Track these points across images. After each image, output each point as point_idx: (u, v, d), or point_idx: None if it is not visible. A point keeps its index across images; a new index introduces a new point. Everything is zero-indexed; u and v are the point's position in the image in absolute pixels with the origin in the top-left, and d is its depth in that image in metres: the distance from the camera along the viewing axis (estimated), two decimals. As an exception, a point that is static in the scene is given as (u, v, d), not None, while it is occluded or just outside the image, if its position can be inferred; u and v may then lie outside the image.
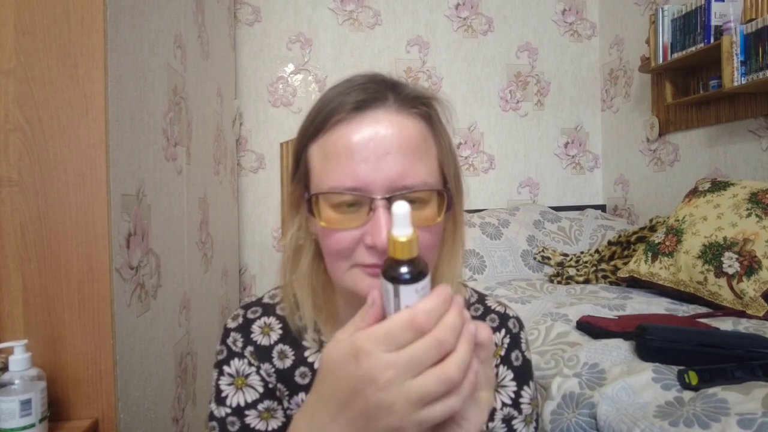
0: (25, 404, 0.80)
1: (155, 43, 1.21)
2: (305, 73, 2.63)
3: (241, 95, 2.55)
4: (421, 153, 0.51)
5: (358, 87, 0.52)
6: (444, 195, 0.52)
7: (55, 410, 0.89)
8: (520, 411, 0.61)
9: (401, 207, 0.36)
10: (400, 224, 0.37)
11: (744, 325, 1.26)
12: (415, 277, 0.36)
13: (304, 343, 0.62)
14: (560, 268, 2.14)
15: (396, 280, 0.36)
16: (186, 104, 1.48)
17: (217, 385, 0.61)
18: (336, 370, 0.36)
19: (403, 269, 0.37)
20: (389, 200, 0.48)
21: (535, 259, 2.32)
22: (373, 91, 0.52)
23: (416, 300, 0.36)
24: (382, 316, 0.37)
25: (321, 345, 0.62)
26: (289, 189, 0.58)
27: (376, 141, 0.49)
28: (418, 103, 0.53)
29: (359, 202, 0.50)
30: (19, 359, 0.82)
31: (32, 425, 0.81)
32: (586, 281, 1.97)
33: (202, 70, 1.72)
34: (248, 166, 2.59)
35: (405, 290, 0.36)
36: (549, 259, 2.27)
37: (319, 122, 0.52)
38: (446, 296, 0.36)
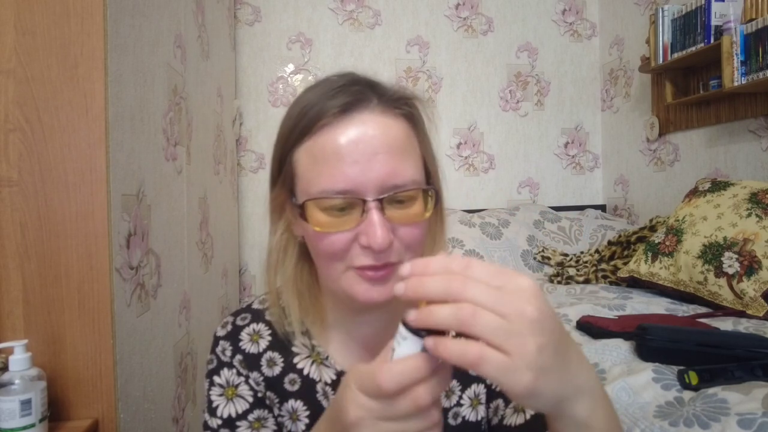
0: (25, 404, 0.80)
1: (155, 43, 1.21)
2: (305, 73, 2.63)
3: (241, 95, 2.55)
4: (407, 152, 0.52)
5: (340, 89, 0.52)
6: (430, 191, 0.53)
7: (55, 410, 0.89)
8: (507, 400, 0.60)
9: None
10: None
11: (744, 325, 1.26)
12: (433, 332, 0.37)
13: (294, 349, 0.62)
14: (560, 268, 2.14)
15: (417, 332, 0.37)
16: (186, 104, 1.48)
17: (209, 396, 0.61)
18: (338, 391, 0.43)
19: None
20: (381, 201, 0.49)
21: (535, 259, 2.32)
22: (357, 93, 0.52)
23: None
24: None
25: (312, 349, 0.62)
26: (272, 194, 0.58)
27: (364, 142, 0.49)
28: (401, 104, 0.54)
29: (351, 204, 0.50)
30: (19, 359, 0.82)
31: (32, 425, 0.81)
32: (586, 281, 1.97)
33: (202, 70, 1.72)
34: (248, 166, 2.59)
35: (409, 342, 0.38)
36: (549, 259, 2.27)
37: (304, 126, 0.52)
38: (420, 364, 0.37)
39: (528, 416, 0.57)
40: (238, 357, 0.62)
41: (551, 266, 2.26)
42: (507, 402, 0.60)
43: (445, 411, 0.61)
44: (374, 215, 0.49)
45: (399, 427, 0.37)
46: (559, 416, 0.38)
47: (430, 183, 0.55)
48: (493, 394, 0.62)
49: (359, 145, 0.49)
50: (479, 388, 0.62)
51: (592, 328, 1.28)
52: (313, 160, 0.51)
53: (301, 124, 0.52)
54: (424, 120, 0.57)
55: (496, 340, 0.33)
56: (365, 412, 0.38)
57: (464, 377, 0.62)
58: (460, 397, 0.61)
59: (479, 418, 0.61)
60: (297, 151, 0.53)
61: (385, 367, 0.37)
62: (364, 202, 0.49)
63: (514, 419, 0.59)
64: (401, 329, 0.38)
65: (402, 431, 0.37)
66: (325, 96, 0.52)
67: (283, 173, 0.55)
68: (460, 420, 0.61)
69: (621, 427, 0.42)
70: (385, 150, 0.50)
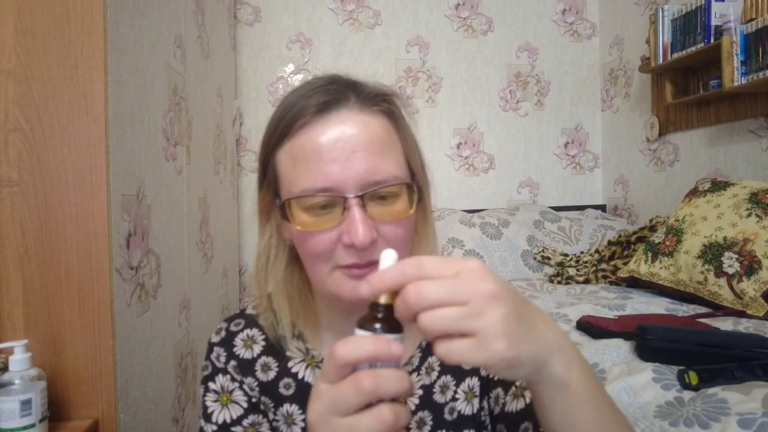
0: (25, 404, 0.80)
1: (155, 43, 1.21)
2: (305, 73, 2.63)
3: (241, 95, 2.55)
4: (388, 148, 0.52)
5: (319, 89, 0.53)
6: (414, 187, 0.53)
7: (55, 410, 0.89)
8: (506, 388, 0.60)
9: (389, 255, 0.38)
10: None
11: (744, 325, 1.26)
12: (387, 329, 0.37)
13: (288, 353, 0.62)
14: (560, 268, 2.14)
15: (371, 328, 0.37)
16: (186, 104, 1.48)
17: (204, 402, 0.62)
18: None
19: (379, 316, 0.37)
20: (362, 198, 0.49)
21: (535, 259, 2.32)
22: (335, 92, 0.52)
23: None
24: None
25: (306, 353, 0.62)
26: (259, 197, 0.58)
27: (343, 141, 0.50)
28: (380, 101, 0.54)
29: (332, 202, 0.50)
30: (19, 359, 0.82)
31: (32, 425, 0.81)
32: (586, 281, 1.97)
33: (202, 70, 1.72)
34: (248, 166, 2.59)
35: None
36: (549, 259, 2.27)
37: (284, 127, 0.53)
38: (377, 341, 0.36)
39: (528, 400, 0.58)
40: (233, 363, 0.62)
41: (551, 266, 2.26)
42: (506, 390, 0.60)
43: (441, 406, 0.61)
44: (355, 212, 0.49)
45: (350, 422, 0.35)
46: (539, 381, 0.39)
47: (414, 179, 0.55)
48: (489, 385, 0.62)
49: (338, 143, 0.50)
50: (473, 381, 0.62)
51: (592, 328, 1.28)
52: (294, 160, 0.52)
53: (282, 125, 0.53)
54: (404, 117, 0.57)
55: (459, 329, 0.34)
56: (321, 403, 0.36)
57: (458, 372, 0.62)
58: (455, 392, 0.62)
59: (475, 411, 0.62)
60: (279, 152, 0.54)
61: (342, 339, 0.36)
62: (345, 199, 0.49)
63: (515, 405, 0.59)
64: (358, 333, 0.38)
65: (353, 427, 0.35)
66: (304, 96, 0.53)
67: (267, 176, 0.56)
68: (456, 415, 0.61)
69: (600, 384, 0.42)
70: (364, 147, 0.50)
